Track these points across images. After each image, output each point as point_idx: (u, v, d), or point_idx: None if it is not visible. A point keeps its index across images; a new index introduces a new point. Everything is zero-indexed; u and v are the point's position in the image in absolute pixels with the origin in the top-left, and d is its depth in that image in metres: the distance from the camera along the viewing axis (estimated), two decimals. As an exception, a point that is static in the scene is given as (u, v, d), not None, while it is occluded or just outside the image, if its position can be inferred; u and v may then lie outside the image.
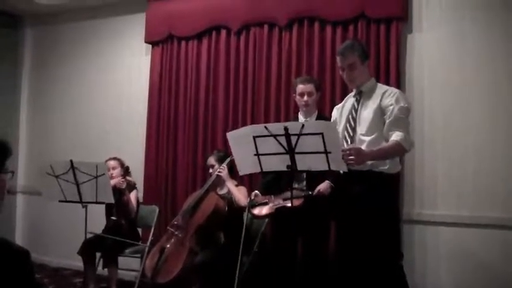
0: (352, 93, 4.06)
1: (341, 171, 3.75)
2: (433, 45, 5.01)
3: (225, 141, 5.58)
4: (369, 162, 3.70)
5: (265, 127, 3.48)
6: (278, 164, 3.52)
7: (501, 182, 4.66)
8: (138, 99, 6.55)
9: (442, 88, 4.95)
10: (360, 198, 3.70)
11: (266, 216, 4.62)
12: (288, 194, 4.30)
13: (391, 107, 3.76)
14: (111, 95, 6.81)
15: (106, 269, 5.35)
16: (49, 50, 7.36)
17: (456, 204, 4.84)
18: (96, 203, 4.98)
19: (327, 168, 3.44)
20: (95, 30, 6.99)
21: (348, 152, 3.48)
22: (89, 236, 5.17)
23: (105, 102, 6.84)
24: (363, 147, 3.71)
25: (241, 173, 3.86)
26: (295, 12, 5.52)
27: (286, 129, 3.38)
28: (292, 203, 3.90)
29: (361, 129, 3.83)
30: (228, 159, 5.02)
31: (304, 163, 3.48)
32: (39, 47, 7.48)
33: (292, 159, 3.46)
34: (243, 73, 5.81)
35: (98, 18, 6.98)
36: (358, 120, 3.87)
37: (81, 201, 4.93)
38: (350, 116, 3.92)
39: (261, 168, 3.59)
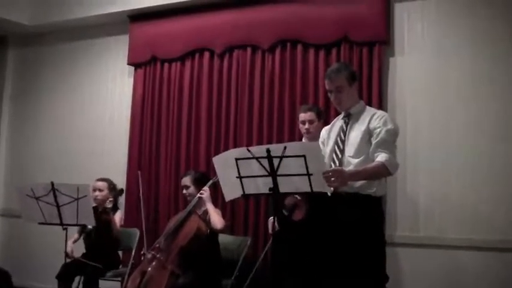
0: (341, 116, 4.07)
1: (328, 193, 3.74)
2: (416, 68, 5.07)
3: (207, 164, 5.62)
4: (356, 185, 3.71)
5: (248, 149, 3.46)
6: (261, 186, 3.50)
7: (485, 204, 4.69)
8: (121, 122, 6.54)
9: (424, 111, 4.99)
10: (348, 221, 3.68)
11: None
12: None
13: (379, 129, 3.77)
14: (93, 117, 6.78)
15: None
16: (31, 72, 7.32)
17: (438, 227, 4.85)
18: (77, 225, 4.92)
19: (309, 190, 3.42)
20: (78, 52, 6.98)
21: (329, 174, 3.48)
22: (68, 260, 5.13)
23: (88, 125, 6.80)
24: (351, 167, 3.73)
25: (227, 199, 3.79)
26: (278, 35, 5.56)
27: (268, 151, 3.37)
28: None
29: (349, 151, 3.83)
30: (211, 182, 5.00)
31: (286, 185, 3.46)
32: (22, 69, 7.45)
33: (275, 182, 3.44)
34: (226, 95, 5.82)
35: (80, 40, 6.97)
36: (346, 142, 3.87)
37: (61, 224, 4.84)
38: (338, 138, 3.92)
39: (243, 191, 3.55)
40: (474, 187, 4.75)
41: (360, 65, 5.16)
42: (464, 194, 4.77)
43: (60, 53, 7.12)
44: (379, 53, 5.11)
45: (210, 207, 4.97)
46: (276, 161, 3.38)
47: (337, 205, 3.75)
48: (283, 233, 4.11)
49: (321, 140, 4.15)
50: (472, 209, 4.74)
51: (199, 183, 5.09)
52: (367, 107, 4.08)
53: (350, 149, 3.84)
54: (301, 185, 3.42)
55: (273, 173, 3.41)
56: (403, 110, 5.05)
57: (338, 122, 4.07)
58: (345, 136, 3.90)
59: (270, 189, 3.45)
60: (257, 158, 3.41)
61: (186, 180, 5.18)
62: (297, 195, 4.01)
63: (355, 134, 3.86)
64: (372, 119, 3.85)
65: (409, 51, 5.12)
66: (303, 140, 4.81)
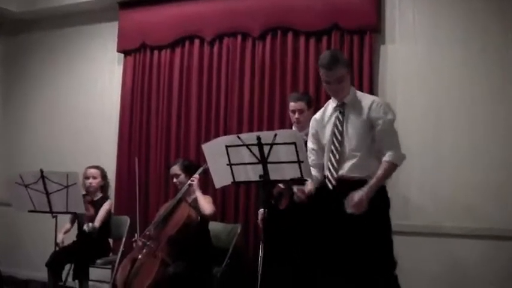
0: (331, 103, 3.98)
1: (330, 186, 3.75)
2: (407, 56, 5.05)
3: (198, 152, 5.59)
4: (363, 175, 3.69)
5: (238, 137, 3.46)
6: (251, 174, 3.50)
7: (477, 193, 4.70)
8: (110, 109, 6.49)
9: (416, 99, 4.98)
10: None
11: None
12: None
13: (381, 120, 3.72)
14: (83, 104, 6.73)
15: (76, 281, 5.25)
16: (20, 59, 7.25)
17: (431, 215, 4.86)
18: (67, 213, 4.91)
19: (299, 176, 3.42)
20: (67, 38, 6.91)
21: (353, 210, 3.52)
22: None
23: (76, 112, 6.75)
24: (355, 161, 3.72)
25: (217, 186, 3.79)
26: (269, 22, 5.52)
27: (258, 138, 3.36)
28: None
29: (351, 143, 3.77)
30: (201, 169, 4.99)
31: (276, 173, 3.45)
32: (10, 56, 7.38)
33: (265, 169, 3.43)
34: (216, 83, 5.79)
35: (70, 26, 6.90)
36: (345, 134, 3.80)
37: (51, 211, 4.83)
38: (336, 130, 3.83)
39: (233, 178, 3.55)
40: (467, 176, 4.75)
41: (351, 53, 5.13)
42: (457, 182, 4.78)
43: (49, 39, 7.05)
44: (370, 41, 5.09)
45: (198, 194, 4.97)
46: (266, 148, 3.38)
47: (343, 192, 3.67)
48: (273, 223, 4.09)
49: (311, 131, 4.07)
50: (464, 198, 4.74)
51: (189, 171, 5.09)
52: (359, 93, 3.99)
53: (351, 141, 3.78)
54: (291, 173, 3.43)
55: (263, 160, 3.41)
56: (394, 98, 5.01)
57: (333, 113, 3.94)
58: (342, 127, 3.82)
59: (260, 176, 3.46)
60: (247, 145, 3.41)
61: (176, 169, 5.17)
62: (280, 184, 4.01)
63: (355, 125, 3.79)
64: (371, 108, 3.77)
65: (400, 39, 5.09)
66: (293, 128, 4.78)
